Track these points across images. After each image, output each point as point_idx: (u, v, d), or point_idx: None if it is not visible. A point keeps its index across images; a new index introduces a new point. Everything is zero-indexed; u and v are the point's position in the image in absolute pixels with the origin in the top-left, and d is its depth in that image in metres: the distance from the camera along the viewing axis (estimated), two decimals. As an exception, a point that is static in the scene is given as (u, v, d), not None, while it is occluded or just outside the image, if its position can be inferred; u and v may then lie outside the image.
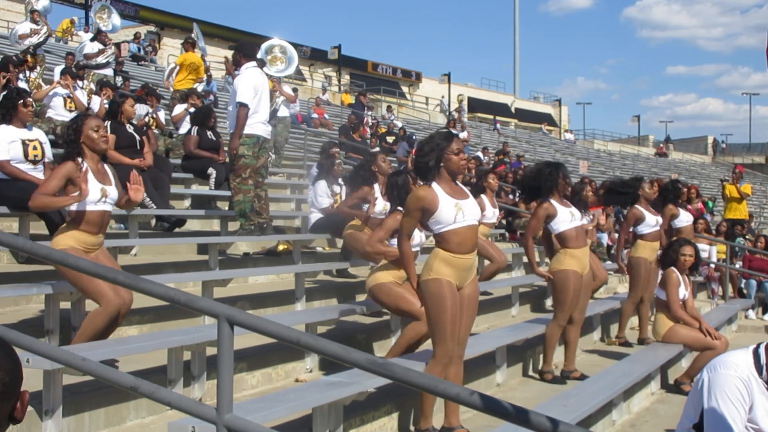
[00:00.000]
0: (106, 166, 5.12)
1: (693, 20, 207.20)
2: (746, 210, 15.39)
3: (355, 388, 4.30)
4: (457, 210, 4.51)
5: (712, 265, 12.01)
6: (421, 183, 4.70)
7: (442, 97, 47.78)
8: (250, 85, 7.83)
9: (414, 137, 21.60)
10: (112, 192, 5.04)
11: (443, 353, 4.60)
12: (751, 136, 74.56)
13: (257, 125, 7.94)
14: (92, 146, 4.98)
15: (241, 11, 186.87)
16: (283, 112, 13.87)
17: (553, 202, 6.36)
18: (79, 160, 4.93)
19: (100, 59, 13.76)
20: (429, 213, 4.54)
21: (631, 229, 8.28)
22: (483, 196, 9.27)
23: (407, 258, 4.78)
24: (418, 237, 5.99)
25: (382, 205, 7.20)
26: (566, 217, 6.35)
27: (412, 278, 4.79)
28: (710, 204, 17.77)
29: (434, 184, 4.56)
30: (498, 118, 49.73)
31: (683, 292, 7.00)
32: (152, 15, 39.07)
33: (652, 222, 8.14)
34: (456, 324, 4.60)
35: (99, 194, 4.93)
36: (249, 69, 8.02)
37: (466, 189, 4.77)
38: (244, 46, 8.48)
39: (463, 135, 23.05)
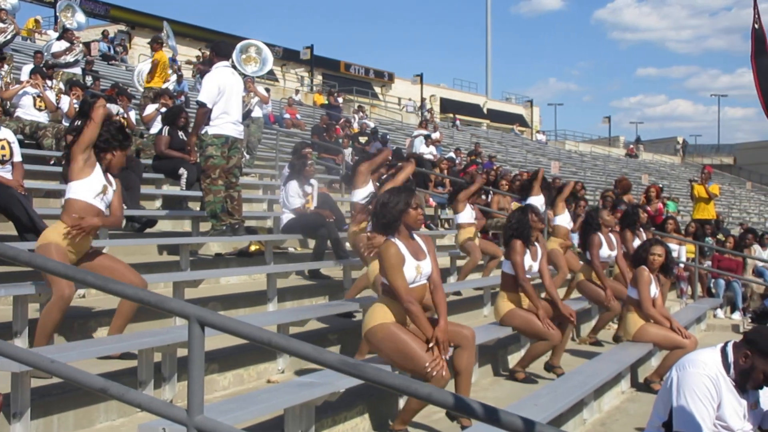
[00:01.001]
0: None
1: (663, 22, 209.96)
2: (714, 210, 15.57)
3: (326, 388, 4.29)
4: (417, 272, 4.58)
5: (681, 265, 12.15)
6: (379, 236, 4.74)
7: (409, 99, 47.86)
8: (214, 84, 7.78)
9: (387, 136, 21.62)
10: (110, 194, 5.12)
11: (436, 381, 4.41)
12: (719, 137, 75.18)
13: (226, 125, 7.88)
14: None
15: (213, 11, 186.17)
16: (257, 112, 13.85)
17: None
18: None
19: (69, 57, 13.62)
20: None
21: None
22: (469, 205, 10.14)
23: (419, 317, 4.48)
24: None
25: (368, 190, 7.23)
26: (525, 267, 6.42)
27: (427, 333, 4.50)
28: (671, 205, 17.46)
29: (396, 241, 4.60)
30: (469, 118, 49.92)
31: (653, 290, 7.06)
32: (123, 14, 38.72)
33: (603, 254, 8.28)
34: (427, 349, 4.50)
35: (100, 188, 4.98)
36: (218, 68, 7.97)
37: (421, 243, 4.75)
38: (219, 46, 8.44)
39: (435, 135, 23.07)
